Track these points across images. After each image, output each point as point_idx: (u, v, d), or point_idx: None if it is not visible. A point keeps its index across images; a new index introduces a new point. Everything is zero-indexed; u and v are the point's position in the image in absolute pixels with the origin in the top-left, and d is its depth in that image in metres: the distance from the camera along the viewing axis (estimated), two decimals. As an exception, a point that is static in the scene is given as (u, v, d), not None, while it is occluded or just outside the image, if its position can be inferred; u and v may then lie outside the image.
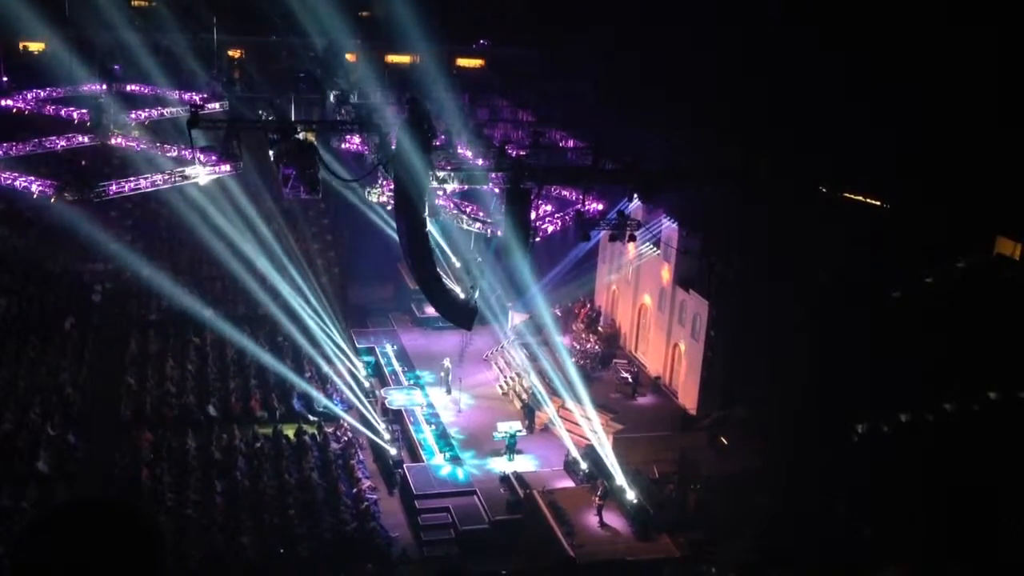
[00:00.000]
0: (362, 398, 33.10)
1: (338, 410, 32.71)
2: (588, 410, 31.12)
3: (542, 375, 33.88)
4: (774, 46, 29.40)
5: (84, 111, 35.57)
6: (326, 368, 34.88)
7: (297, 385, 33.63)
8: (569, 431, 31.14)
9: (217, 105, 37.60)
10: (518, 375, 35.49)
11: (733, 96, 30.03)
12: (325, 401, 33.12)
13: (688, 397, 32.74)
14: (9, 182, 31.80)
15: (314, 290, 37.65)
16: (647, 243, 33.72)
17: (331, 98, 36.46)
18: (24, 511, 25.31)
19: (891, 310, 23.98)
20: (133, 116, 36.45)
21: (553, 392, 32.83)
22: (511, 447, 30.83)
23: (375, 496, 28.41)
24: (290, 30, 42.01)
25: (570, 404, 32.06)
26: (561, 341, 35.99)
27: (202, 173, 30.67)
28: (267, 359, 35.35)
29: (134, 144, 34.43)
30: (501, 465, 30.46)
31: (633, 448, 29.36)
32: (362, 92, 37.39)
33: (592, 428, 30.57)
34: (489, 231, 31.54)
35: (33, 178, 31.62)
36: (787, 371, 26.35)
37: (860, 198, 26.41)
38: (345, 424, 31.65)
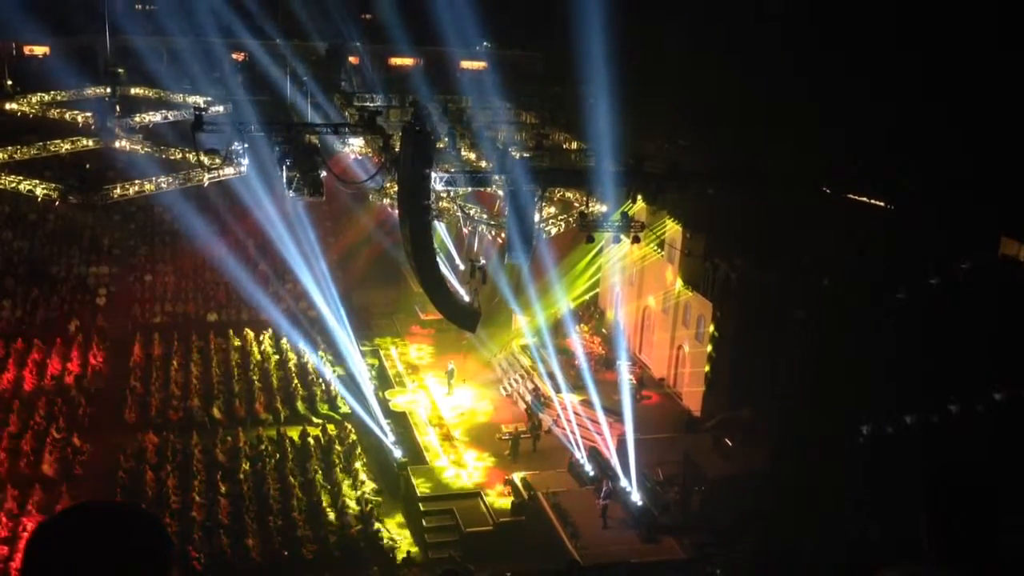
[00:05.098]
0: (366, 400, 33.10)
1: (342, 412, 32.74)
2: (592, 412, 31.12)
3: (545, 377, 33.88)
4: (776, 46, 29.37)
5: (89, 114, 35.66)
6: (330, 370, 34.93)
7: (301, 388, 33.69)
8: (573, 433, 31.14)
9: (221, 108, 37.70)
10: (522, 377, 35.49)
11: (736, 97, 30.02)
12: (329, 403, 33.17)
13: (692, 399, 32.72)
14: (14, 185, 31.91)
15: (318, 292, 37.69)
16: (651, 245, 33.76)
17: (335, 101, 36.54)
18: (29, 514, 25.37)
19: (895, 311, 23.94)
20: (137, 119, 36.56)
21: (557, 394, 32.82)
22: (515, 448, 30.84)
23: (379, 498, 28.43)
24: (293, 33, 42.11)
25: (574, 406, 32.04)
26: (565, 343, 36.01)
27: (206, 176, 30.78)
28: (271, 361, 35.45)
29: (138, 147, 34.54)
30: (505, 467, 30.44)
31: (637, 450, 29.34)
32: (365, 95, 37.45)
33: (596, 430, 30.56)
34: (493, 233, 31.55)
35: (38, 181, 31.73)
36: (791, 373, 26.33)
37: (864, 199, 26.38)
38: (349, 426, 31.66)
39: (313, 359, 35.52)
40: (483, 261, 30.15)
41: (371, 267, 42.95)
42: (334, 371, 35.02)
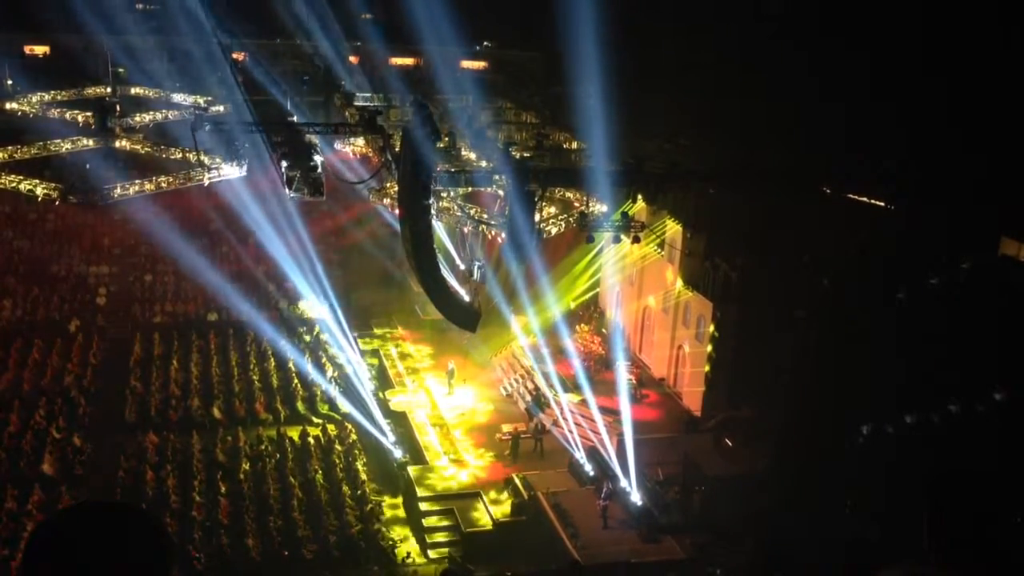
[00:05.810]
0: (366, 400, 33.10)
1: (342, 412, 32.73)
2: (592, 412, 31.12)
3: (544, 378, 33.88)
4: (777, 46, 29.37)
5: (88, 114, 35.61)
6: (330, 370, 34.91)
7: (301, 388, 33.68)
8: (571, 432, 31.14)
9: (222, 107, 37.65)
10: (522, 377, 35.49)
11: (736, 96, 30.00)
12: (329, 403, 33.15)
13: (692, 399, 32.72)
14: (14, 185, 31.87)
15: (319, 292, 37.67)
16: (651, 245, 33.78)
17: (335, 100, 36.52)
18: (29, 514, 25.36)
19: (896, 311, 23.94)
20: (138, 119, 36.50)
21: (557, 394, 32.82)
22: (515, 448, 30.83)
23: (379, 498, 28.43)
24: (294, 32, 42.05)
25: (574, 406, 32.04)
26: (565, 343, 35.98)
27: (206, 175, 30.75)
28: (271, 361, 35.41)
29: (139, 146, 34.49)
30: (505, 467, 30.44)
31: (637, 450, 29.35)
32: (366, 94, 37.41)
33: (595, 430, 30.56)
34: (493, 233, 31.53)
35: (38, 181, 31.68)
36: (792, 372, 26.33)
37: (864, 199, 26.38)
38: (349, 426, 31.66)
39: (311, 360, 35.45)
40: (483, 261, 30.15)
41: (370, 267, 42.87)
42: (334, 371, 34.98)
